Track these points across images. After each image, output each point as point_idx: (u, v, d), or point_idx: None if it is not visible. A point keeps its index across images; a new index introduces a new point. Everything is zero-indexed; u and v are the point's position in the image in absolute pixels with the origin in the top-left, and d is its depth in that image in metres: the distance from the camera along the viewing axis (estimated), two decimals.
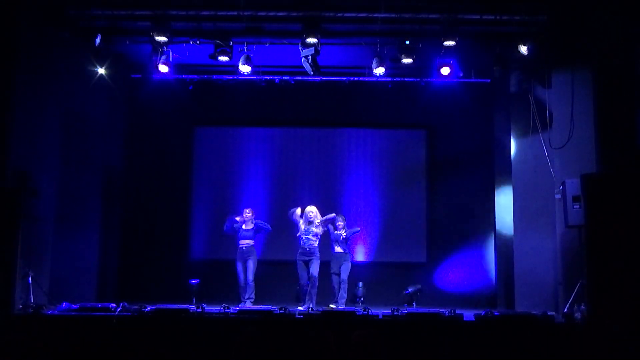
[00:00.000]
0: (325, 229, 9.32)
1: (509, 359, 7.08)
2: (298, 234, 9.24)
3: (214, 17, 8.75)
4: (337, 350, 6.95)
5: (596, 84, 7.71)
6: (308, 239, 9.13)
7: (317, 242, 9.20)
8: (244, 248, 9.39)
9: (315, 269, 9.07)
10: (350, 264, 9.37)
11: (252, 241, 9.48)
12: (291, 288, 9.93)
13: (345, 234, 9.38)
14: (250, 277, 9.32)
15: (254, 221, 9.52)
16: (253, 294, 9.33)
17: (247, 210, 9.55)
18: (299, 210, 9.26)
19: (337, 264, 9.31)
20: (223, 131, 11.64)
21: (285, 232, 9.58)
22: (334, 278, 9.30)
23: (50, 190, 8.56)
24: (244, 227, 9.46)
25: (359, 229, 9.78)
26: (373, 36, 9.13)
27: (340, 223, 9.46)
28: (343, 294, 9.21)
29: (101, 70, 9.23)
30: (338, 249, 9.36)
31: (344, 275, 9.25)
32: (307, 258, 9.13)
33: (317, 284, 9.07)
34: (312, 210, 9.22)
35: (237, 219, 9.52)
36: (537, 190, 9.43)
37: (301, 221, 9.21)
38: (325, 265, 9.30)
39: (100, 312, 7.51)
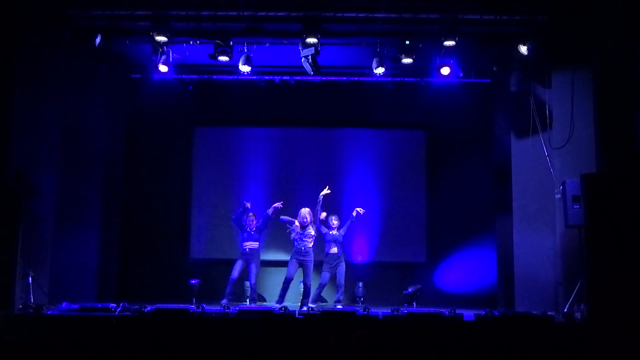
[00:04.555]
0: (318, 231, 9.30)
1: (509, 359, 7.09)
2: (292, 236, 9.19)
3: (214, 17, 8.75)
4: (337, 350, 6.95)
5: (596, 84, 7.71)
6: (302, 240, 9.11)
7: (312, 243, 9.18)
8: (247, 250, 9.40)
9: (308, 276, 9.08)
10: (344, 265, 9.39)
11: (257, 243, 9.48)
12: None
13: (338, 232, 9.39)
14: (253, 280, 9.35)
15: (256, 224, 9.53)
16: (256, 295, 9.34)
17: (250, 215, 9.54)
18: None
19: (330, 265, 9.31)
20: (223, 131, 11.64)
21: (284, 233, 9.56)
22: (325, 275, 9.29)
23: (50, 190, 8.56)
24: (248, 229, 9.48)
25: (354, 213, 9.42)
26: (373, 36, 9.13)
27: (335, 222, 9.46)
28: (340, 297, 9.21)
29: (101, 71, 9.22)
30: (333, 250, 9.36)
31: (341, 278, 9.26)
32: (301, 258, 9.12)
33: (310, 292, 9.10)
34: (305, 214, 9.14)
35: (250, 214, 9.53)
36: (537, 190, 9.42)
37: (296, 222, 9.18)
38: (318, 265, 9.37)
39: (100, 312, 7.51)
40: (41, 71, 8.52)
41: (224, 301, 8.94)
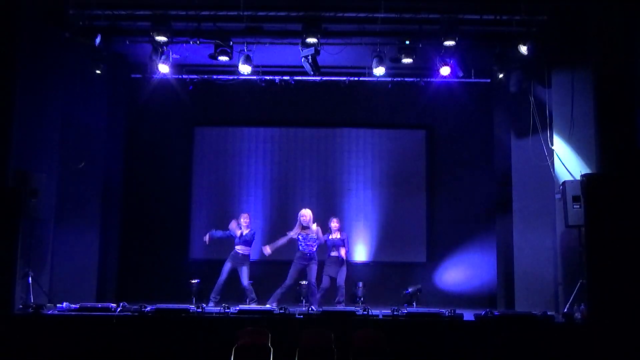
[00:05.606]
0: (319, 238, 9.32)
1: (509, 359, 7.09)
2: (297, 239, 9.23)
3: (214, 17, 8.75)
4: (337, 350, 6.95)
5: (596, 84, 7.71)
6: (307, 245, 9.19)
7: (316, 247, 9.27)
8: (240, 254, 9.38)
9: (312, 275, 9.13)
10: (346, 268, 9.38)
11: (249, 248, 9.47)
12: (291, 288, 9.93)
13: (339, 235, 9.39)
14: (247, 281, 9.33)
15: (251, 227, 9.50)
16: (254, 294, 9.34)
17: (245, 216, 9.55)
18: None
19: (333, 268, 9.31)
20: (223, 131, 11.62)
21: (284, 232, 9.56)
22: (325, 279, 9.29)
23: (50, 190, 8.55)
24: (243, 231, 9.44)
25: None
26: (373, 36, 9.12)
27: (336, 225, 9.44)
28: (340, 298, 9.21)
29: (101, 71, 9.22)
30: (334, 253, 9.35)
31: (341, 280, 9.26)
32: (305, 263, 9.17)
33: (317, 290, 9.12)
34: (305, 214, 9.22)
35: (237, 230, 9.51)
36: (537, 190, 9.42)
37: (297, 226, 9.23)
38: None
39: (100, 312, 7.52)
40: (41, 71, 8.52)
41: (211, 303, 8.97)
